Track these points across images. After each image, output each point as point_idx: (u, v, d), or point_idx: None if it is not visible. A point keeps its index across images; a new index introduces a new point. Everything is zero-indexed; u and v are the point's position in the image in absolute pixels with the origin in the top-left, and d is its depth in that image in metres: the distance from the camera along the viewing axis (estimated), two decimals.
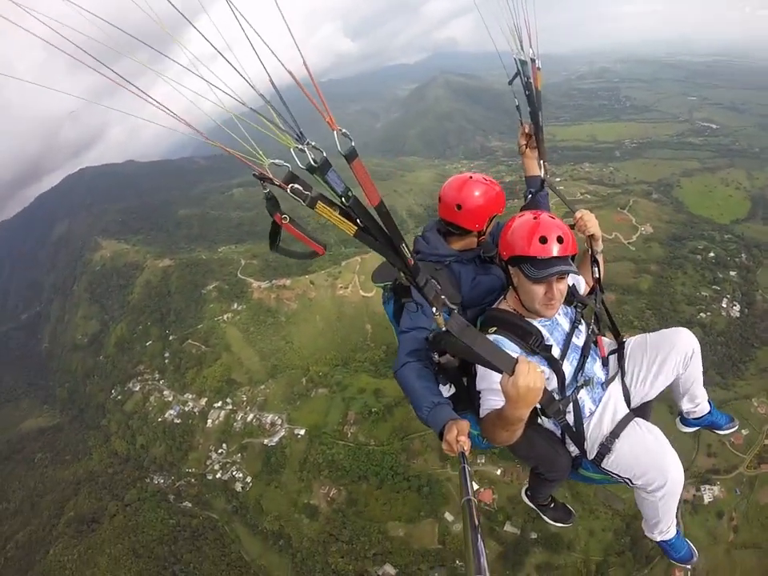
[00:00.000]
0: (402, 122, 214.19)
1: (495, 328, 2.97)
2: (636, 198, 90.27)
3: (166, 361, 79.49)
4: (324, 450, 57.59)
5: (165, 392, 75.34)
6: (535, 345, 2.87)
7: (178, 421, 70.26)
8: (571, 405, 3.09)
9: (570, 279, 3.14)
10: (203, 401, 70.92)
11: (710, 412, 3.75)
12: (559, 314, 3.12)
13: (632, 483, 3.08)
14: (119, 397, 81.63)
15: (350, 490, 53.43)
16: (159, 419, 72.16)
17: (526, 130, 3.78)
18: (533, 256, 2.72)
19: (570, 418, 3.12)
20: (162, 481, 64.83)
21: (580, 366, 3.12)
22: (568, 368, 3.07)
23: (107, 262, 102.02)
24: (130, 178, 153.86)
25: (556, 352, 3.00)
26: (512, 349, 2.80)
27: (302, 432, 59.77)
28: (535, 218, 2.85)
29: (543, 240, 2.70)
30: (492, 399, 2.76)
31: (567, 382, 3.04)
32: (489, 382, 2.77)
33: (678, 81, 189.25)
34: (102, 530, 58.01)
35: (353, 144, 1.54)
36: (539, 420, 3.17)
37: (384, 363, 64.81)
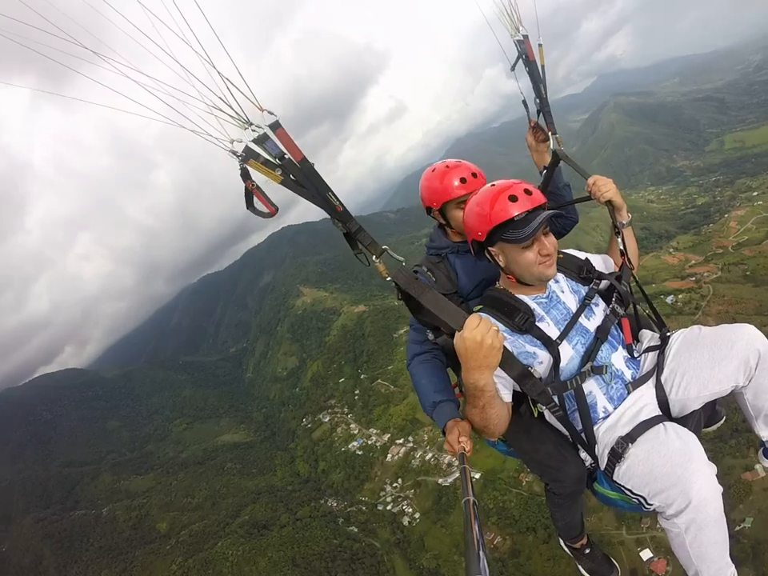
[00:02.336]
0: (579, 157, 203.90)
1: (480, 307, 2.68)
2: None
3: (356, 397, 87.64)
4: (496, 496, 56.87)
5: (351, 425, 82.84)
6: (521, 322, 2.50)
7: (359, 452, 76.29)
8: (573, 397, 2.56)
9: (590, 258, 2.90)
10: (386, 436, 75.62)
11: None
12: (563, 291, 2.69)
13: (647, 504, 2.32)
14: (309, 425, 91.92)
15: (516, 541, 51.93)
16: (343, 449, 78.94)
17: (532, 125, 3.45)
18: (511, 218, 2.42)
19: (575, 414, 2.59)
20: (335, 504, 70.11)
21: (589, 352, 2.57)
22: (569, 351, 2.57)
23: (307, 307, 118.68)
24: (328, 234, 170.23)
25: (552, 332, 2.56)
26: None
27: (477, 476, 59.05)
28: (493, 185, 2.59)
29: (514, 198, 2.43)
30: None
31: (563, 364, 2.55)
32: None
33: None
34: (270, 536, 64.15)
35: (276, 118, 1.97)
36: (545, 414, 2.69)
37: None
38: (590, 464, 2.66)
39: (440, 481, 63.04)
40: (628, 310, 2.80)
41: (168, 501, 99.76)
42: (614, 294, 2.72)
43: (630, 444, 2.40)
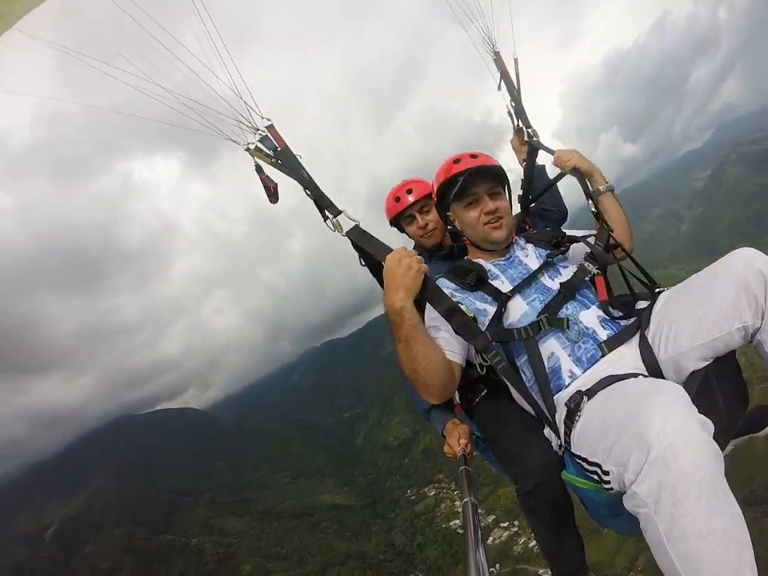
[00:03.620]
0: (707, 217, 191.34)
1: (439, 276, 2.66)
2: None
3: None
4: None
5: (456, 502, 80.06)
6: (472, 280, 2.48)
7: (460, 531, 75.62)
8: (525, 353, 2.24)
9: (578, 232, 2.78)
10: (491, 518, 73.18)
11: None
12: (527, 255, 2.64)
13: (604, 480, 1.66)
14: (413, 497, 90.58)
15: None
16: (443, 525, 77.49)
17: (515, 129, 3.44)
18: (452, 176, 2.56)
19: (528, 371, 2.24)
20: None
21: (547, 306, 2.32)
22: (522, 305, 2.38)
23: None
24: None
25: (505, 288, 2.46)
26: (447, 286, 2.55)
27: None
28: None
29: (457, 161, 2.60)
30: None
31: (515, 318, 2.35)
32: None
33: None
34: None
35: (271, 123, 2.45)
36: (512, 393, 2.38)
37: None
38: (558, 445, 2.12)
39: (540, 572, 59.55)
40: (607, 274, 2.52)
41: (257, 546, 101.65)
42: (588, 255, 2.51)
43: (585, 398, 1.92)
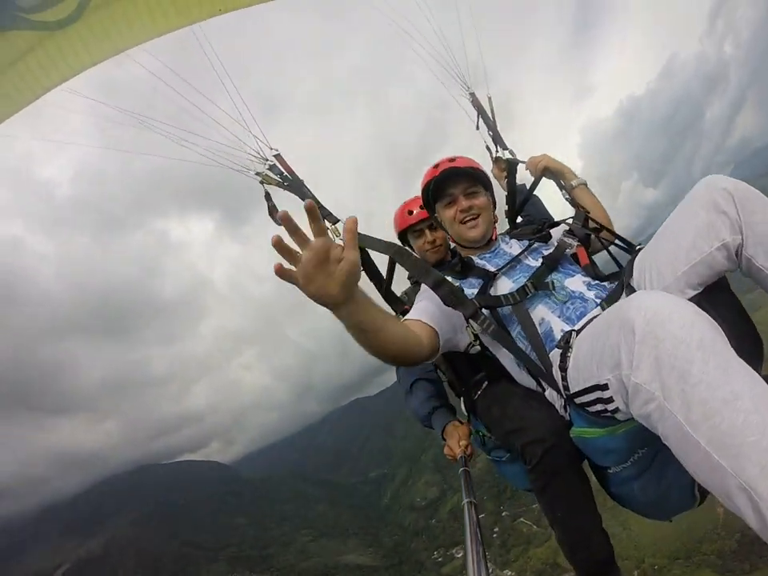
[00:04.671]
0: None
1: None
2: None
3: (494, 535, 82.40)
4: None
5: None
6: (458, 267, 2.58)
7: None
8: (516, 321, 2.21)
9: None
10: None
11: None
12: (511, 247, 2.67)
13: (606, 399, 1.53)
14: (440, 559, 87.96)
15: None
16: None
17: (494, 159, 3.49)
18: (432, 178, 2.65)
19: (524, 342, 2.17)
20: None
21: (532, 275, 2.32)
22: (507, 283, 2.39)
23: None
24: None
25: (491, 269, 2.52)
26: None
27: None
28: None
29: (437, 166, 2.72)
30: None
31: (501, 291, 2.33)
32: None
33: None
34: None
35: (278, 152, 2.91)
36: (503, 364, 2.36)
37: (735, 556, 54.05)
38: (561, 405, 1.99)
39: None
40: (591, 248, 2.60)
41: None
42: (567, 232, 2.59)
43: (574, 333, 1.91)
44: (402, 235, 3.51)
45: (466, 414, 2.79)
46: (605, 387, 1.49)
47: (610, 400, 1.49)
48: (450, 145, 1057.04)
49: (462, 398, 2.81)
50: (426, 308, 2.24)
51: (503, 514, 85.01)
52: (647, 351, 1.24)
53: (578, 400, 1.74)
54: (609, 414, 1.57)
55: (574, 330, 1.93)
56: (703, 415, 1.12)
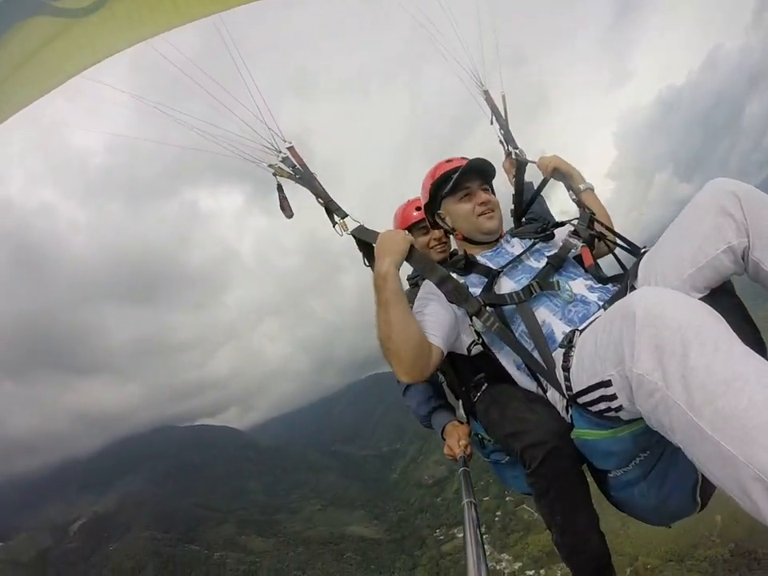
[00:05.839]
0: None
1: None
2: None
3: (496, 518, 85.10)
4: None
5: (485, 546, 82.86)
6: (461, 264, 2.54)
7: None
8: (520, 320, 2.22)
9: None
10: (517, 565, 71.58)
11: None
12: (513, 246, 2.68)
13: (610, 397, 1.55)
14: (441, 537, 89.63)
15: None
16: None
17: (506, 154, 3.54)
18: (446, 173, 2.69)
19: (527, 341, 2.18)
20: None
21: (537, 275, 2.36)
22: (510, 283, 2.42)
23: None
24: None
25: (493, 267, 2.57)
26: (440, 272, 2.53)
27: None
28: None
29: (449, 160, 2.78)
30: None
31: (504, 291, 2.36)
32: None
33: None
34: None
35: (292, 144, 2.77)
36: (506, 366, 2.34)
37: (726, 565, 53.85)
38: (563, 406, 2.00)
39: None
40: (596, 251, 2.59)
41: (279, 568, 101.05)
42: (571, 233, 2.59)
43: (578, 332, 1.92)
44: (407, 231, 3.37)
45: (465, 416, 2.82)
46: (608, 384, 1.51)
47: (613, 397, 1.51)
48: (471, 138, 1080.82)
49: (460, 400, 2.86)
50: (432, 324, 2.29)
51: (507, 498, 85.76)
52: (647, 340, 1.25)
53: (580, 400, 1.76)
54: (613, 412, 1.58)
55: (577, 329, 1.95)
56: (705, 399, 1.09)
